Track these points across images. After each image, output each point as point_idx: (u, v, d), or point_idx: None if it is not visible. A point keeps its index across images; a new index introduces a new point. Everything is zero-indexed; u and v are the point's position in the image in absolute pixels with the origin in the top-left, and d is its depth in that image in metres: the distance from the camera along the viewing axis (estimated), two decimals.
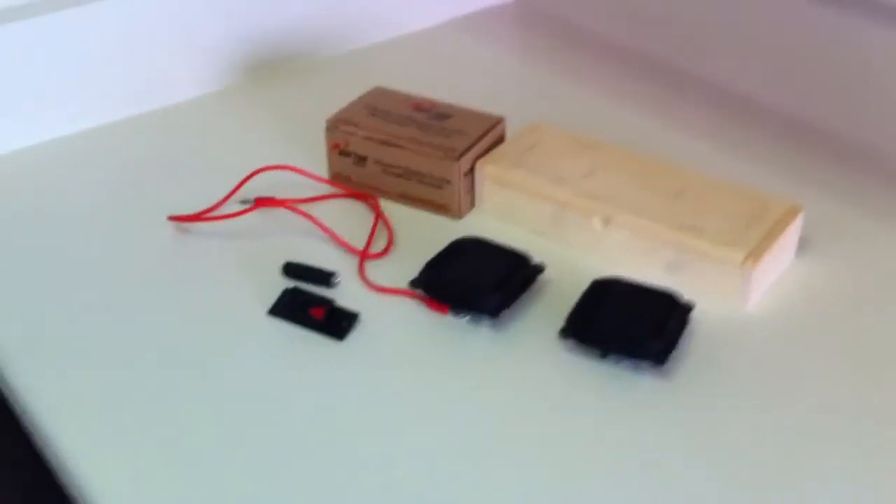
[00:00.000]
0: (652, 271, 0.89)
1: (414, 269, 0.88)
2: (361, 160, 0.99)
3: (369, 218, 0.97)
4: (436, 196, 0.97)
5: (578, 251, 0.92)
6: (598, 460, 0.72)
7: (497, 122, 1.00)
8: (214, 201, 0.98)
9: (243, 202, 0.96)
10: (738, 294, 0.85)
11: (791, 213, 0.88)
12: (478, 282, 0.84)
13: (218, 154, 1.08)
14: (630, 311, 0.80)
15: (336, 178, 1.02)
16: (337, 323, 0.83)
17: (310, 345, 0.82)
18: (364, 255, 0.92)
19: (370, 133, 0.98)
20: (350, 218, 0.97)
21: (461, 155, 0.95)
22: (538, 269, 0.87)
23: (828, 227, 0.95)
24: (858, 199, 0.99)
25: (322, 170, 1.03)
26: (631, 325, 0.79)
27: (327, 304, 0.84)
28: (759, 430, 0.74)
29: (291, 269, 0.89)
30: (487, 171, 0.96)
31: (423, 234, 0.95)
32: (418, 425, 0.75)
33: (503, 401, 0.77)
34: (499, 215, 0.97)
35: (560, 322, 0.82)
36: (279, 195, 0.98)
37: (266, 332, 0.83)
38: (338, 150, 1.00)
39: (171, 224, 0.96)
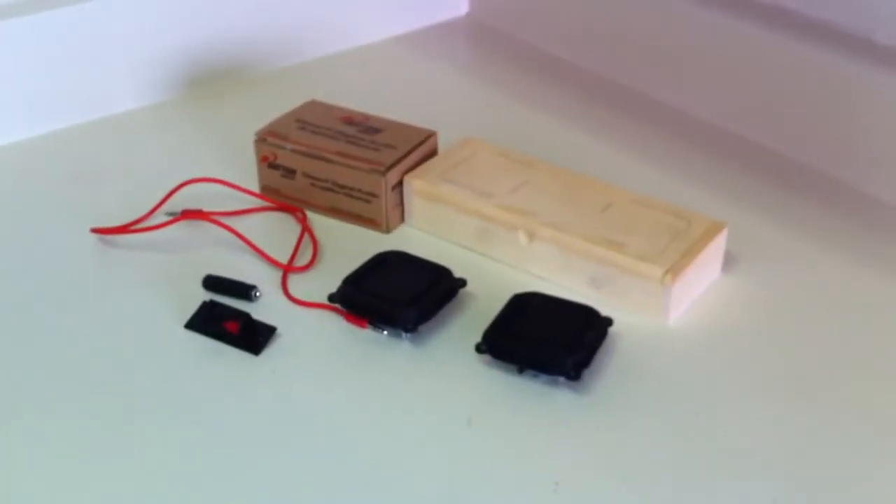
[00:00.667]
0: (576, 286, 0.88)
1: (338, 283, 0.87)
2: (290, 173, 0.99)
3: (297, 231, 0.97)
4: (364, 210, 0.97)
5: (504, 266, 0.92)
6: (511, 475, 0.71)
7: (428, 136, 0.99)
8: (142, 213, 0.97)
9: (169, 214, 0.95)
10: (659, 309, 0.84)
11: (714, 229, 0.88)
12: (396, 296, 0.83)
13: (150, 166, 1.07)
14: (548, 325, 0.80)
15: (266, 191, 1.01)
16: (252, 337, 0.82)
17: (225, 358, 0.81)
18: (287, 269, 0.91)
19: (298, 146, 0.97)
20: (277, 231, 0.97)
21: (388, 169, 0.94)
22: (460, 283, 0.86)
23: (756, 243, 0.95)
24: (787, 216, 0.99)
25: (253, 183, 1.03)
26: (547, 340, 0.78)
27: (242, 317, 0.83)
28: (673, 445, 0.73)
29: (211, 282, 0.88)
30: (415, 185, 0.95)
31: (350, 248, 0.94)
32: (331, 439, 0.74)
33: (419, 415, 0.76)
34: (427, 229, 0.96)
35: (479, 337, 0.81)
36: (207, 208, 0.97)
37: (182, 346, 0.82)
38: (267, 163, 1.00)
39: (96, 236, 0.95)
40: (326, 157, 0.96)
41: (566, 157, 1.05)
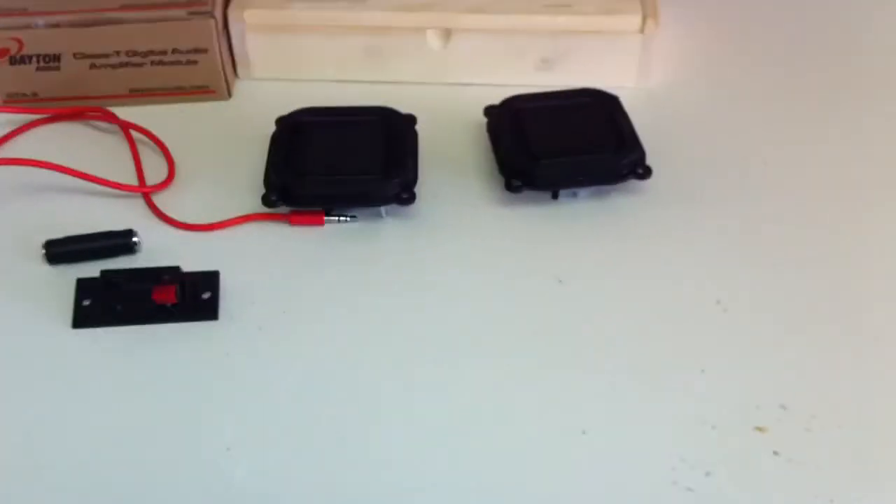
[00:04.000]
0: (519, 77, 0.68)
1: (223, 189, 0.60)
2: (53, 60, 0.65)
3: (106, 139, 0.65)
4: (187, 76, 0.67)
5: (412, 86, 0.69)
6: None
7: None
8: None
9: None
10: (635, 72, 0.68)
11: None
12: (361, 166, 0.58)
13: None
14: (568, 129, 0.61)
15: (11, 100, 0.67)
16: (197, 297, 0.53)
17: (171, 345, 0.52)
18: (148, 190, 0.61)
19: (55, 17, 0.64)
20: (75, 148, 0.64)
21: (214, 6, 0.65)
22: (411, 121, 0.63)
23: None
24: None
25: None
26: (593, 144, 0.60)
27: (170, 274, 0.53)
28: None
29: (60, 250, 0.56)
30: (249, 17, 0.67)
31: (198, 137, 0.65)
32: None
33: (498, 286, 0.55)
34: (276, 75, 0.69)
35: (473, 175, 0.60)
36: None
37: (85, 355, 0.52)
38: (7, 59, 0.65)
39: None
40: (111, 19, 0.64)
41: None
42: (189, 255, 0.56)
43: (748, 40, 0.74)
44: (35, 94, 0.67)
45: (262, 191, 0.58)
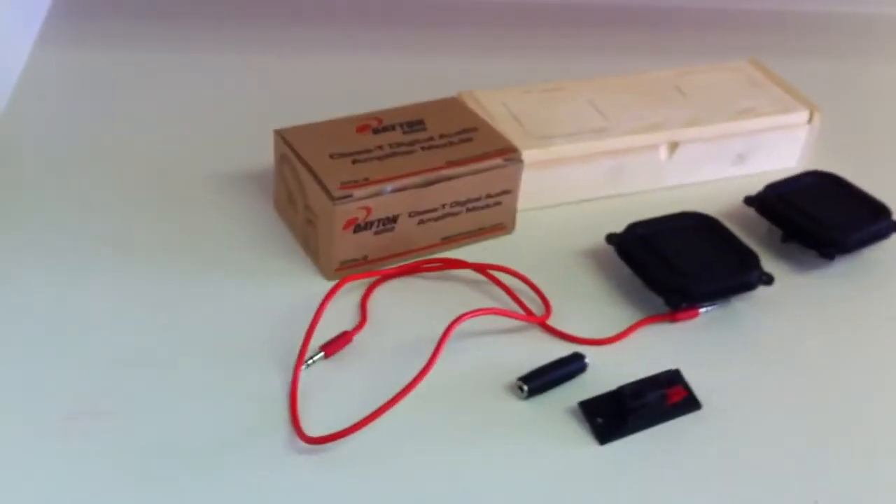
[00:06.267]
0: (720, 173, 0.83)
1: (585, 306, 0.69)
2: (390, 222, 0.70)
3: (440, 288, 0.71)
4: (488, 218, 0.74)
5: (641, 192, 0.81)
6: None
7: (456, 103, 0.78)
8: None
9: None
10: (797, 154, 0.86)
11: (756, 64, 0.90)
12: (724, 261, 0.70)
13: None
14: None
15: (346, 266, 0.70)
16: (689, 389, 0.63)
17: (684, 445, 0.61)
18: (545, 317, 0.68)
19: (403, 181, 0.69)
20: (429, 299, 0.69)
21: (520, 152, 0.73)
22: (714, 219, 0.75)
23: None
24: None
25: (307, 273, 0.69)
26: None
27: (670, 375, 0.62)
28: None
29: (537, 379, 0.62)
30: (527, 157, 0.76)
31: (527, 267, 0.72)
32: None
33: None
34: (537, 205, 0.78)
35: None
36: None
37: (615, 467, 0.59)
38: (353, 227, 0.68)
39: None
40: (444, 176, 0.70)
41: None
42: (608, 365, 0.64)
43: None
44: (365, 258, 0.70)
45: (621, 301, 0.69)
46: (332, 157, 0.70)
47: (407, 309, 0.68)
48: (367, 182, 0.68)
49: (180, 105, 0.89)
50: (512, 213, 0.75)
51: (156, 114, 0.87)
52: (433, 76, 0.92)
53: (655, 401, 0.60)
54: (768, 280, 0.70)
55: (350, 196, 0.67)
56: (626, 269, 0.71)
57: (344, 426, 0.58)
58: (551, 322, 0.68)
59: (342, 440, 0.57)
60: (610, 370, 0.64)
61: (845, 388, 0.65)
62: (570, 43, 1.04)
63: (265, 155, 0.77)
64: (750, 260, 0.70)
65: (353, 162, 0.70)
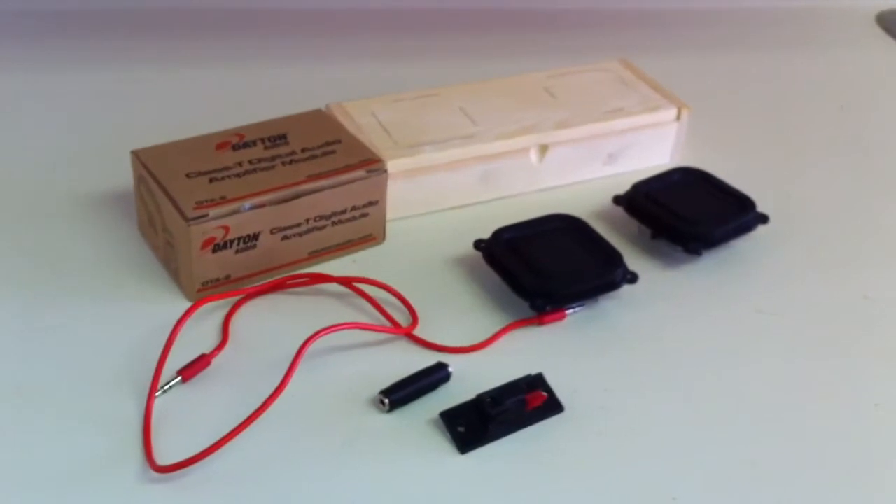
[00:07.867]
0: (592, 174, 0.84)
1: (453, 313, 0.70)
2: (251, 240, 0.69)
3: (307, 303, 0.70)
4: (357, 229, 0.74)
5: (509, 200, 0.81)
6: None
7: (320, 116, 0.78)
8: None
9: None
10: (668, 151, 0.86)
11: (627, 65, 0.91)
12: (590, 262, 0.71)
13: None
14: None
15: (206, 288, 0.69)
16: (550, 391, 0.63)
17: (555, 443, 0.61)
18: (411, 328, 0.67)
19: (261, 198, 0.68)
20: (296, 315, 0.68)
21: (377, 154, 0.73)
22: (579, 221, 0.75)
23: None
24: None
25: (172, 295, 0.68)
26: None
27: (530, 380, 0.62)
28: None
29: (397, 392, 0.62)
30: (391, 167, 0.75)
31: (392, 277, 0.72)
32: None
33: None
34: (411, 211, 0.78)
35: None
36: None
37: (480, 473, 0.59)
38: (211, 247, 0.67)
39: None
40: (305, 190, 0.69)
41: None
42: (475, 372, 0.64)
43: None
44: (228, 277, 0.69)
45: (487, 307, 0.68)
46: (188, 176, 0.69)
47: (271, 327, 0.67)
48: (223, 200, 0.67)
49: (42, 126, 0.88)
50: (381, 223, 0.75)
51: (23, 136, 0.86)
52: (308, 87, 0.92)
53: (515, 406, 0.60)
54: (632, 278, 0.70)
55: (205, 216, 0.66)
56: (495, 275, 0.71)
57: (198, 451, 0.57)
58: (418, 332, 0.67)
59: (199, 466, 0.56)
60: (475, 378, 0.64)
61: (711, 380, 0.66)
62: (444, 46, 1.05)
63: (130, 176, 0.75)
64: (614, 259, 0.71)
65: (211, 181, 0.69)
